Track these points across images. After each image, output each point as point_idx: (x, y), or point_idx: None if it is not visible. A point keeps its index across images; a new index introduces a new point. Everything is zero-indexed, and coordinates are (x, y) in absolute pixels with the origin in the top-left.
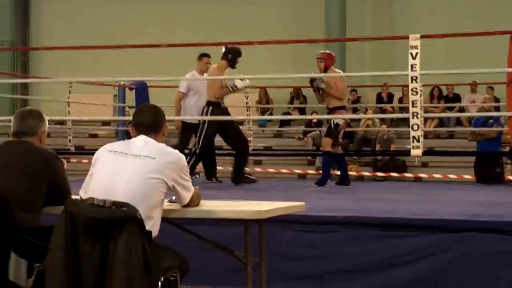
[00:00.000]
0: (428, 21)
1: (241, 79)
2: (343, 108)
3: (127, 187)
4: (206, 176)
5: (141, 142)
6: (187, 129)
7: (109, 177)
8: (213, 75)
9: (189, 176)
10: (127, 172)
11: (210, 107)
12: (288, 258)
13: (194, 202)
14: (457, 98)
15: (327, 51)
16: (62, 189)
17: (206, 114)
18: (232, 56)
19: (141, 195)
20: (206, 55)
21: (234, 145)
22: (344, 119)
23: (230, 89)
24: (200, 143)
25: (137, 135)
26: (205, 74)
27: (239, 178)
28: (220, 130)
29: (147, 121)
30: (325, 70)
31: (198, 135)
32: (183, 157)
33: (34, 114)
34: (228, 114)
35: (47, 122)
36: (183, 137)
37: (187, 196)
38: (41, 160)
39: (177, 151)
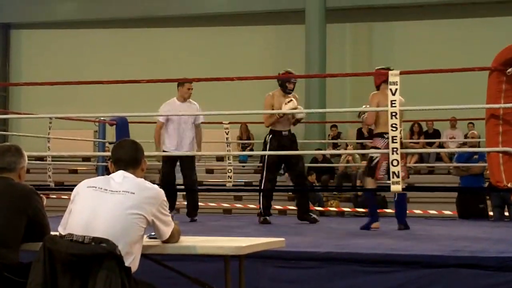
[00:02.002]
0: (408, 57)
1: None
2: (379, 135)
3: (107, 223)
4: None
5: (120, 178)
6: (169, 160)
7: (88, 213)
8: (264, 103)
9: (168, 211)
10: (106, 208)
11: (270, 135)
12: None
13: (174, 237)
14: (437, 133)
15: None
16: (41, 225)
17: (266, 143)
18: (281, 83)
19: (120, 231)
20: (187, 81)
21: (293, 178)
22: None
23: (278, 116)
24: (263, 177)
25: (116, 170)
26: (187, 100)
27: (306, 214)
28: (284, 160)
29: (126, 156)
30: (378, 88)
31: (262, 167)
32: (162, 192)
33: (13, 150)
34: (293, 142)
35: (26, 158)
36: (165, 169)
37: (167, 231)
38: (20, 196)
39: (156, 186)
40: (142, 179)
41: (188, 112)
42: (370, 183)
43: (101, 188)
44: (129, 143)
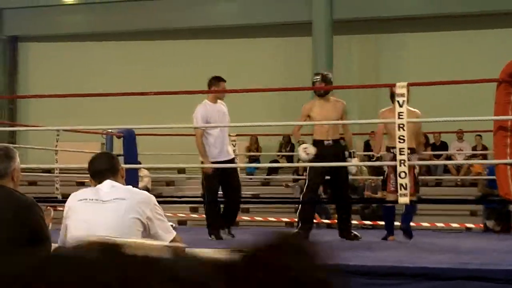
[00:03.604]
0: (415, 69)
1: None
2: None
3: (106, 232)
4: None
5: (108, 187)
6: (214, 175)
7: (86, 225)
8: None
9: (164, 217)
10: (102, 218)
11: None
12: None
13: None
14: (444, 146)
15: None
16: (42, 238)
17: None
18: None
19: (120, 236)
20: (222, 79)
21: (335, 191)
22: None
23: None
24: (306, 186)
25: (96, 183)
26: (219, 101)
27: (348, 232)
28: (329, 172)
29: (103, 166)
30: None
31: (348, 182)
32: (153, 196)
33: (1, 156)
34: (337, 153)
35: (16, 158)
36: (211, 183)
37: (166, 238)
38: (21, 208)
39: (145, 191)
40: (130, 186)
41: (223, 114)
42: (388, 197)
43: (91, 199)
44: (104, 154)
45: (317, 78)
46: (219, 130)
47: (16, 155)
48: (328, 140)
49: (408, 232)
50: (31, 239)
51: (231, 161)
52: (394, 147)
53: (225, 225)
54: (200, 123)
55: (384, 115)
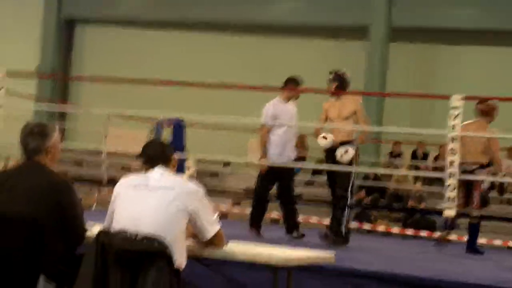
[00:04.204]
0: (472, 82)
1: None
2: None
3: (152, 219)
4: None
5: (158, 175)
6: (270, 174)
7: (132, 211)
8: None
9: (211, 210)
10: (149, 205)
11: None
12: None
13: (219, 241)
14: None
15: None
16: (74, 221)
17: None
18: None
19: (164, 226)
20: (298, 83)
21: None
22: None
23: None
24: (352, 192)
25: (147, 169)
26: (291, 101)
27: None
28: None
29: (156, 153)
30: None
31: (349, 182)
32: (201, 188)
33: (35, 132)
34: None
35: (53, 135)
36: (262, 183)
37: (210, 229)
38: (56, 191)
39: (195, 183)
40: (180, 176)
41: (292, 115)
42: (472, 213)
43: (140, 186)
44: (157, 142)
45: (330, 77)
46: (284, 130)
47: (52, 132)
48: (356, 142)
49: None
50: (64, 220)
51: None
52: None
53: (290, 229)
54: (268, 120)
55: (465, 128)
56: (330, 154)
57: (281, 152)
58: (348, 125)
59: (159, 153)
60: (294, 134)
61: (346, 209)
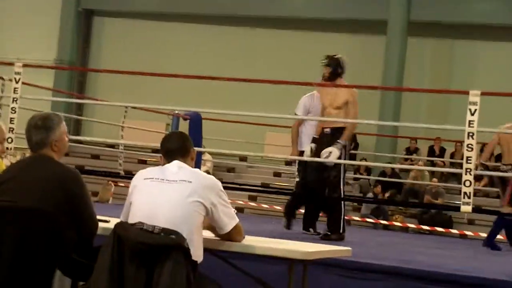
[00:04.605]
0: (489, 77)
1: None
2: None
3: (168, 212)
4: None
5: (175, 167)
6: (300, 165)
7: (149, 203)
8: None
9: (229, 203)
10: (166, 197)
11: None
12: None
13: (238, 234)
14: None
15: None
16: (87, 205)
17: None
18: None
19: (181, 219)
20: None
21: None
22: None
23: None
24: (343, 186)
25: (167, 162)
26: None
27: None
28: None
29: (175, 146)
30: None
31: (340, 176)
32: (219, 182)
33: (39, 127)
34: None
35: (59, 128)
36: (303, 174)
37: (229, 223)
38: (64, 181)
39: (212, 176)
40: (197, 169)
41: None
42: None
43: (157, 179)
44: (177, 134)
45: (325, 61)
46: (316, 124)
47: (58, 125)
48: (326, 129)
49: (493, 245)
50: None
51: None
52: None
53: (309, 223)
54: (300, 113)
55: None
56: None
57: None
58: (337, 116)
59: (179, 145)
60: None
61: (342, 206)
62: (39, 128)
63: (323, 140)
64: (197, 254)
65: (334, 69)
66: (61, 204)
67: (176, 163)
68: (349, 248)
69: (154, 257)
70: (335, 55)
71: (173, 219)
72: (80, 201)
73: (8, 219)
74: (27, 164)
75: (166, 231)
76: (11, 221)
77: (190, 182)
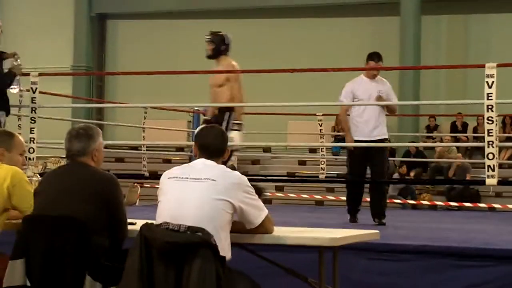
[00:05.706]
0: (504, 50)
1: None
2: None
3: (194, 211)
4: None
5: (200, 165)
6: (356, 152)
7: (174, 202)
8: None
9: (256, 196)
10: (191, 196)
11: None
12: (362, 286)
13: (268, 226)
14: None
15: None
16: (123, 212)
17: None
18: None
19: (207, 217)
20: (370, 58)
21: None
22: None
23: None
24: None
25: (199, 155)
26: (377, 77)
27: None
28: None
29: (212, 146)
30: None
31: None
32: (245, 177)
33: (81, 135)
34: None
35: (99, 139)
36: (350, 164)
37: (259, 215)
38: (102, 185)
39: (237, 172)
40: (222, 166)
41: (377, 92)
42: None
43: (181, 178)
44: (216, 132)
45: (208, 38)
46: (364, 109)
47: (98, 135)
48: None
49: None
50: (111, 214)
51: (379, 142)
52: None
53: (374, 214)
54: (342, 98)
55: None
56: None
57: (362, 130)
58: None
59: (215, 147)
60: (379, 112)
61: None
62: (81, 137)
63: None
64: (226, 250)
65: (218, 46)
66: (98, 209)
67: (201, 161)
68: (377, 231)
69: (182, 255)
70: (219, 32)
71: (199, 217)
72: (117, 206)
73: (41, 228)
74: (67, 170)
75: (192, 229)
76: (43, 230)
77: (215, 180)
